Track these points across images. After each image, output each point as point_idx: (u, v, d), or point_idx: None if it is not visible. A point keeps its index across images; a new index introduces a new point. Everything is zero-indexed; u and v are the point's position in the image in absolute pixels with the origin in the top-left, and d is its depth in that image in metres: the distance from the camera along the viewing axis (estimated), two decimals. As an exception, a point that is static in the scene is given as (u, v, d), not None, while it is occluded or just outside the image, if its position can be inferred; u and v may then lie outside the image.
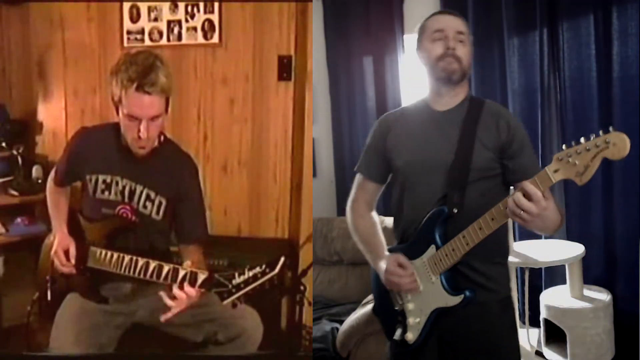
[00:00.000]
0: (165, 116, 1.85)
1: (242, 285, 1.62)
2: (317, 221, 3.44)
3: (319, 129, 3.76)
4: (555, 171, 1.40)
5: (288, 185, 2.79)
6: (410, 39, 3.52)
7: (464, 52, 1.68)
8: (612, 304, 2.88)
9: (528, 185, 1.41)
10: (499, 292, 1.72)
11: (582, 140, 1.36)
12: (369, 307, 2.66)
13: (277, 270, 1.64)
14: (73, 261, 1.93)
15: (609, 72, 2.82)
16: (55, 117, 3.20)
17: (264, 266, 1.64)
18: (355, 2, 3.63)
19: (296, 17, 2.68)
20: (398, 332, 1.74)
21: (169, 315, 1.75)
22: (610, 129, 1.32)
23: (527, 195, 1.41)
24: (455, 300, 1.64)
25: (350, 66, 3.72)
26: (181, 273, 1.71)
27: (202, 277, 1.69)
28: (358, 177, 1.92)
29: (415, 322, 1.72)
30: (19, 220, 3.00)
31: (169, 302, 1.73)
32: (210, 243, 2.61)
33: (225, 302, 1.63)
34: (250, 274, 1.63)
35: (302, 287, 2.23)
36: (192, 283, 1.70)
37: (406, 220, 1.76)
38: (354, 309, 2.84)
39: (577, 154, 1.36)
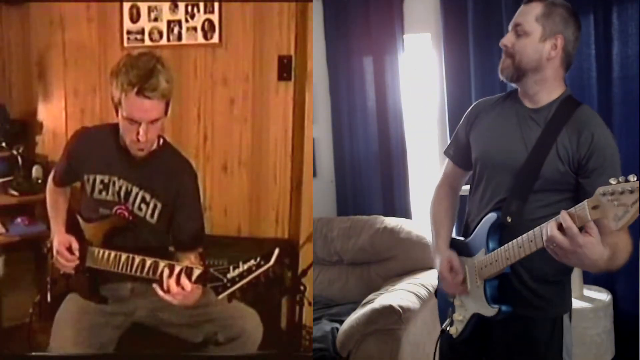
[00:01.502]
0: (165, 118, 1.85)
1: (237, 279, 1.62)
2: (317, 221, 3.44)
3: (319, 129, 3.76)
4: (594, 207, 1.24)
5: (288, 185, 2.79)
6: (410, 39, 3.54)
7: (521, 45, 1.55)
8: (612, 304, 2.87)
9: (565, 217, 1.28)
10: (547, 311, 1.62)
11: (631, 177, 1.19)
12: (369, 307, 2.67)
13: (272, 262, 1.64)
14: (77, 254, 1.93)
15: (609, 72, 2.83)
16: (55, 117, 3.20)
17: (258, 259, 1.64)
18: (355, 2, 3.62)
19: (296, 17, 2.68)
20: (447, 322, 1.76)
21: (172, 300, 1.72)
22: None
23: (562, 228, 1.28)
24: (490, 311, 1.59)
25: (350, 66, 3.72)
26: (177, 269, 1.71)
27: (197, 272, 1.68)
28: (446, 161, 1.87)
29: (459, 319, 1.71)
30: (19, 220, 3.00)
31: (162, 294, 1.71)
32: (210, 243, 2.63)
33: (220, 296, 1.62)
34: (245, 267, 1.63)
35: (302, 287, 2.24)
36: (188, 278, 1.69)
37: (471, 213, 1.72)
38: (354, 309, 2.84)
39: (619, 193, 1.19)
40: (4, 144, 3.17)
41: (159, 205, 1.92)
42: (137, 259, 1.79)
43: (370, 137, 3.67)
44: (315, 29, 3.13)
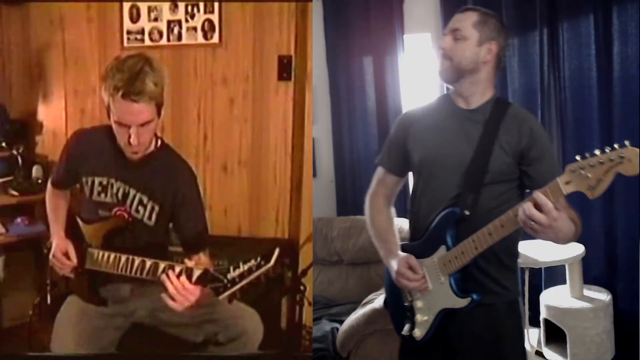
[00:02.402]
0: (158, 120, 1.83)
1: (237, 280, 1.61)
2: (317, 221, 3.44)
3: (319, 129, 3.76)
4: (567, 183, 1.38)
5: (288, 185, 2.79)
6: (410, 39, 3.54)
7: (459, 48, 1.66)
8: (612, 304, 2.88)
9: (539, 195, 1.40)
10: (506, 296, 1.72)
11: (596, 152, 1.33)
12: (369, 307, 2.67)
13: (272, 262, 1.63)
14: (74, 260, 1.93)
15: (609, 72, 2.82)
16: (55, 117, 3.20)
17: (259, 259, 1.64)
18: (355, 2, 3.62)
19: (296, 17, 2.68)
20: (406, 328, 1.76)
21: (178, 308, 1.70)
22: (627, 143, 1.30)
23: (538, 206, 1.40)
24: (462, 302, 1.65)
25: (350, 66, 3.72)
26: (177, 269, 1.70)
27: (197, 272, 1.68)
28: (379, 170, 1.90)
29: (424, 320, 1.73)
30: (19, 220, 2.99)
31: (170, 302, 1.71)
32: (211, 243, 2.63)
33: (221, 297, 1.62)
34: (245, 267, 1.62)
35: (302, 287, 2.23)
36: (188, 279, 1.69)
37: (420, 216, 1.75)
38: (354, 309, 2.84)
39: (590, 166, 1.34)
40: (4, 144, 3.17)
41: (156, 208, 1.92)
42: (137, 260, 1.79)
43: (370, 137, 3.67)
44: (315, 29, 3.13)
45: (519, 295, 1.78)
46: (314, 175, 3.71)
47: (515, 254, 1.75)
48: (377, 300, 2.71)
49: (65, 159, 2.01)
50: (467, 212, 1.62)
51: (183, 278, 1.68)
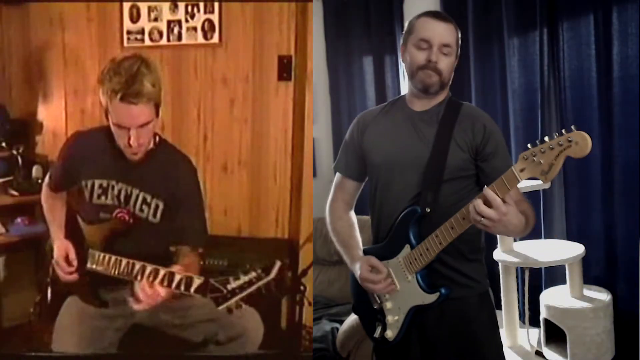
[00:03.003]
0: (157, 120, 1.84)
1: (237, 291, 1.62)
2: (317, 221, 3.44)
3: (319, 129, 3.76)
4: (522, 170, 1.42)
5: (288, 185, 2.79)
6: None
7: (446, 63, 1.69)
8: (612, 304, 2.88)
9: (488, 191, 1.44)
10: (474, 288, 1.75)
11: (546, 139, 1.39)
12: (369, 307, 2.67)
13: (272, 275, 1.64)
14: (75, 264, 1.93)
15: (609, 72, 2.82)
16: (55, 117, 3.20)
17: (259, 271, 1.64)
18: (355, 2, 3.63)
19: (296, 17, 2.68)
20: (378, 330, 1.78)
21: (139, 308, 1.75)
22: (573, 127, 1.36)
23: (487, 202, 1.44)
24: (431, 298, 1.67)
25: (350, 66, 3.72)
26: (177, 278, 1.71)
27: (197, 282, 1.68)
28: (337, 176, 1.93)
29: (394, 320, 1.74)
30: (19, 220, 2.99)
31: (135, 305, 1.73)
32: (211, 243, 2.62)
33: (220, 307, 1.63)
34: (246, 278, 1.63)
35: (302, 287, 2.23)
36: (187, 288, 1.69)
37: (381, 218, 1.78)
38: (354, 309, 2.84)
39: (541, 152, 1.39)
40: (4, 144, 3.17)
41: (161, 205, 1.92)
42: (137, 265, 1.78)
43: (370, 137, 3.66)
44: (315, 29, 3.13)
45: (488, 287, 1.81)
46: (314, 175, 3.71)
47: (479, 247, 1.79)
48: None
49: (63, 162, 2.00)
50: (428, 210, 1.65)
51: (144, 284, 1.70)
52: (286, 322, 2.55)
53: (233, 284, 1.62)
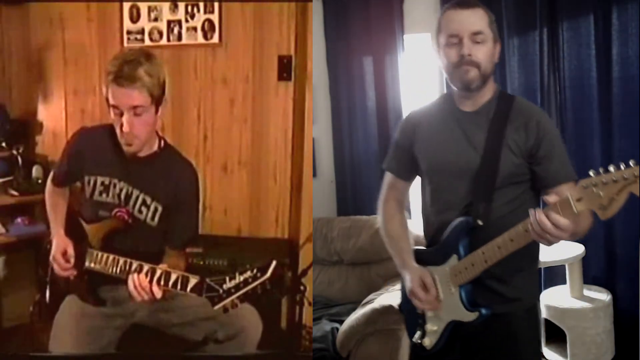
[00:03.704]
0: (155, 115, 1.84)
1: (233, 290, 1.62)
2: (317, 221, 3.44)
3: (319, 129, 3.76)
4: (579, 200, 1.31)
5: (288, 185, 2.79)
6: (410, 39, 3.54)
7: (483, 52, 1.57)
8: (612, 304, 2.88)
9: (557, 217, 1.34)
10: (523, 301, 1.66)
11: (610, 168, 1.26)
12: (369, 307, 2.67)
13: (268, 274, 1.63)
14: (72, 261, 1.93)
15: (609, 72, 2.82)
16: (55, 117, 3.20)
17: (255, 270, 1.63)
18: (355, 2, 3.62)
19: (296, 17, 2.68)
20: (417, 335, 1.72)
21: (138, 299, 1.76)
22: None
23: (549, 217, 1.35)
24: (470, 316, 1.60)
25: (350, 66, 3.72)
26: (173, 276, 1.71)
27: (193, 281, 1.68)
28: (387, 176, 1.86)
29: (433, 329, 1.69)
30: (19, 220, 3.00)
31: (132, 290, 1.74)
32: (210, 243, 2.63)
33: (216, 307, 1.62)
34: (242, 278, 1.62)
35: (302, 287, 2.23)
36: (183, 287, 1.69)
37: (433, 223, 1.71)
38: (354, 309, 2.84)
39: (603, 184, 1.26)
40: (4, 144, 3.17)
41: (160, 208, 1.92)
42: (135, 264, 1.78)
43: (370, 137, 3.66)
44: (315, 29, 3.13)
45: (538, 299, 1.71)
46: (314, 175, 3.71)
47: (533, 257, 1.68)
48: (378, 300, 2.71)
49: (68, 157, 2.01)
50: (479, 222, 1.56)
51: (142, 277, 1.72)
52: (286, 322, 2.55)
53: (229, 284, 1.62)
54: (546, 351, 2.97)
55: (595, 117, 2.89)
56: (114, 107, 1.79)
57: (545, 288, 3.12)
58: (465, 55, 1.56)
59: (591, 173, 1.29)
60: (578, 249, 2.90)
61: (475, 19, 1.58)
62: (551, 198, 1.38)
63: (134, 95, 1.76)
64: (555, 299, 2.92)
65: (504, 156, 1.57)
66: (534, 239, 1.40)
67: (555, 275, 3.12)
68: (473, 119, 1.64)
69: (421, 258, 1.71)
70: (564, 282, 2.99)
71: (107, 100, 1.81)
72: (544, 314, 2.94)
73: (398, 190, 1.85)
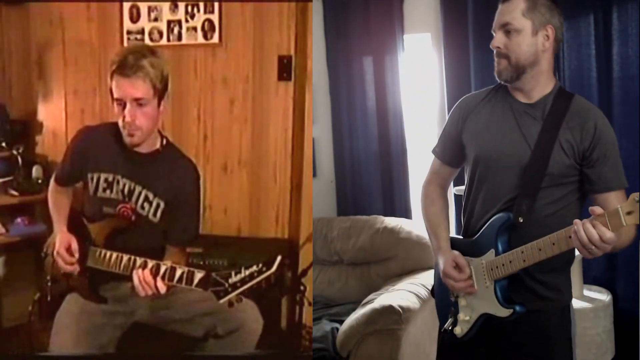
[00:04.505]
0: (158, 109, 1.86)
1: (238, 284, 1.62)
2: (317, 221, 3.44)
3: (319, 129, 3.76)
4: (629, 213, 1.28)
5: (288, 185, 2.79)
6: (410, 39, 3.54)
7: (516, 43, 1.55)
8: (612, 304, 2.88)
9: (604, 231, 1.32)
10: (558, 301, 1.65)
11: None
12: (369, 307, 2.66)
13: (274, 268, 1.64)
14: (77, 255, 1.94)
15: (609, 72, 2.82)
16: (55, 117, 3.20)
17: (260, 265, 1.64)
18: (355, 2, 3.62)
19: (296, 17, 2.68)
20: (448, 322, 1.72)
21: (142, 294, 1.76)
22: None
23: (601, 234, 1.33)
24: (504, 312, 1.59)
25: (350, 66, 3.72)
26: (178, 272, 1.72)
27: (198, 276, 1.69)
28: (434, 161, 1.84)
29: (465, 319, 1.68)
30: (19, 220, 2.99)
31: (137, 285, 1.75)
32: (210, 243, 2.63)
33: (221, 300, 1.63)
34: (247, 272, 1.63)
35: (302, 287, 2.24)
36: (189, 282, 1.70)
37: (473, 213, 1.70)
38: (354, 309, 2.84)
39: None
40: (4, 144, 3.17)
41: (162, 204, 1.93)
42: (139, 260, 1.79)
43: (370, 137, 3.66)
44: (315, 29, 3.13)
45: (571, 299, 1.70)
46: (314, 175, 3.71)
47: (569, 258, 1.66)
48: (378, 300, 2.71)
49: (71, 155, 2.02)
50: (520, 220, 1.54)
51: (147, 272, 1.73)
52: (286, 322, 2.55)
53: (234, 278, 1.63)
54: (546, 351, 2.97)
55: (595, 117, 2.89)
56: (117, 100, 1.81)
57: (545, 288, 3.12)
58: (494, 46, 1.58)
59: None
60: (578, 249, 2.89)
61: (506, 11, 1.58)
62: (597, 210, 1.35)
63: (138, 84, 1.78)
64: (555, 299, 2.92)
65: (555, 154, 1.53)
66: (575, 247, 1.38)
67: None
68: (529, 110, 1.61)
69: (458, 247, 1.71)
70: (564, 282, 2.99)
71: (111, 93, 1.83)
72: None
73: (442, 177, 1.84)
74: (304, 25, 2.68)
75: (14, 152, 3.15)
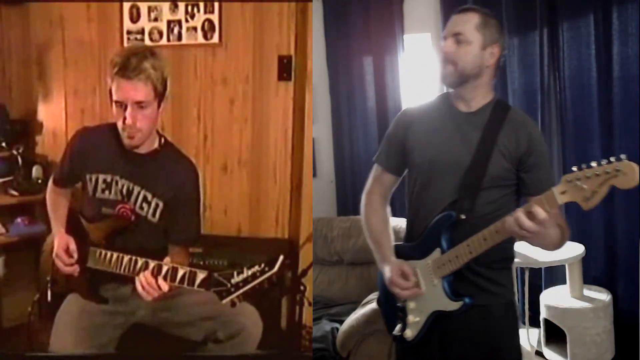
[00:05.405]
0: (157, 109, 1.85)
1: (240, 284, 1.62)
2: (317, 221, 3.44)
3: (319, 129, 3.76)
4: (563, 192, 1.41)
5: (288, 185, 2.79)
6: (410, 39, 3.54)
7: (463, 52, 1.64)
8: (612, 304, 2.88)
9: (537, 209, 1.43)
10: (502, 296, 1.73)
11: (593, 164, 1.36)
12: (369, 307, 2.66)
13: (276, 269, 1.64)
14: (75, 256, 1.93)
15: (609, 72, 2.82)
16: (55, 117, 3.20)
17: (262, 265, 1.64)
18: (355, 2, 3.63)
19: (296, 17, 2.68)
20: (398, 328, 1.77)
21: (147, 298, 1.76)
22: (623, 156, 1.33)
23: (530, 214, 1.44)
24: (454, 305, 1.66)
25: (350, 66, 3.72)
26: (180, 272, 1.72)
27: (201, 276, 1.69)
28: (376, 168, 1.89)
29: (415, 321, 1.73)
30: (19, 220, 2.99)
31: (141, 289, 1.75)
32: (210, 243, 2.63)
33: (224, 301, 1.63)
34: (249, 272, 1.63)
35: (302, 287, 2.23)
36: (191, 282, 1.70)
37: (416, 218, 1.76)
38: (354, 309, 2.84)
39: (586, 178, 1.36)
40: (4, 144, 3.17)
41: (161, 205, 1.93)
42: (140, 261, 1.79)
43: (370, 137, 3.67)
44: (315, 29, 3.13)
45: (514, 296, 1.79)
46: (314, 175, 3.71)
47: (509, 256, 1.76)
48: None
49: (69, 157, 2.02)
50: (463, 216, 1.63)
51: (148, 274, 1.72)
52: (286, 322, 2.55)
53: (237, 278, 1.63)
54: (546, 351, 2.97)
55: (595, 117, 2.89)
56: (118, 102, 1.80)
57: (546, 288, 3.12)
58: (442, 52, 1.67)
59: (574, 168, 1.38)
60: (578, 249, 2.90)
61: (460, 21, 1.67)
62: (536, 198, 1.47)
63: (139, 87, 1.77)
64: (555, 299, 2.92)
65: (494, 159, 1.63)
66: (514, 232, 1.49)
67: (555, 275, 3.12)
68: (469, 119, 1.70)
69: (402, 253, 1.77)
70: (564, 282, 2.99)
71: (110, 95, 1.82)
72: (543, 314, 2.94)
73: (384, 185, 1.89)
74: (304, 25, 2.68)
75: (14, 152, 3.15)
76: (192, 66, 2.85)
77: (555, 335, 2.93)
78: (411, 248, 1.75)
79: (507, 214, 1.52)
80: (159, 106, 1.85)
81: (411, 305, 1.74)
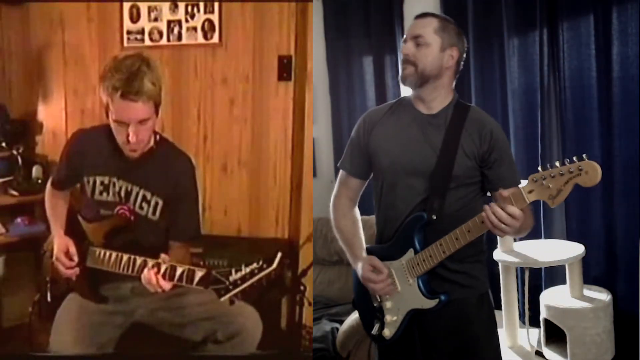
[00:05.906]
0: (156, 119, 1.85)
1: (239, 282, 1.63)
2: (317, 221, 3.44)
3: (319, 129, 3.76)
4: (530, 192, 1.47)
5: (288, 185, 2.79)
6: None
7: (423, 54, 1.69)
8: (612, 304, 2.87)
9: (512, 209, 1.48)
10: (475, 289, 1.78)
11: (557, 164, 1.43)
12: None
13: (274, 265, 1.65)
14: (76, 259, 1.94)
15: (609, 72, 2.82)
16: (55, 117, 3.20)
17: (261, 262, 1.64)
18: (355, 2, 3.63)
19: (296, 17, 2.68)
20: (375, 328, 1.80)
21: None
22: (584, 156, 1.40)
23: (503, 208, 1.49)
24: (430, 303, 1.70)
25: (350, 66, 3.72)
26: (179, 270, 1.72)
27: (199, 274, 1.69)
28: (341, 174, 1.94)
29: (392, 320, 1.77)
30: (19, 220, 2.99)
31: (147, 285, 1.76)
32: (210, 243, 2.62)
33: (222, 298, 1.63)
34: (248, 270, 1.64)
35: (302, 287, 2.24)
36: (190, 280, 1.70)
37: (387, 219, 1.80)
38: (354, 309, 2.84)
39: (551, 177, 1.43)
40: (4, 144, 3.17)
41: (160, 202, 1.93)
42: (139, 260, 1.79)
43: (370, 137, 3.66)
44: (315, 29, 3.13)
45: (488, 287, 1.83)
46: (314, 175, 3.71)
47: (481, 250, 1.80)
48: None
49: (66, 160, 2.02)
50: (434, 217, 1.68)
51: (147, 272, 1.73)
52: (286, 322, 2.55)
53: (235, 276, 1.63)
54: (546, 351, 2.96)
55: (595, 117, 2.89)
56: (119, 121, 1.79)
57: (546, 288, 3.12)
58: (404, 54, 1.72)
59: (539, 168, 1.45)
60: (578, 249, 2.90)
61: (420, 25, 1.72)
62: (505, 192, 1.51)
63: (143, 109, 1.77)
64: (555, 299, 2.92)
65: (458, 158, 1.68)
66: (489, 229, 1.54)
67: (555, 275, 3.12)
68: (432, 120, 1.74)
69: (376, 254, 1.79)
70: (564, 282, 2.99)
71: (107, 112, 1.81)
72: (543, 314, 2.94)
73: (350, 188, 1.92)
74: (304, 25, 2.68)
75: (14, 152, 3.15)
76: (192, 66, 2.85)
77: (555, 335, 2.93)
78: (384, 249, 1.78)
79: (475, 210, 1.59)
80: (157, 114, 1.85)
81: (388, 305, 1.77)
